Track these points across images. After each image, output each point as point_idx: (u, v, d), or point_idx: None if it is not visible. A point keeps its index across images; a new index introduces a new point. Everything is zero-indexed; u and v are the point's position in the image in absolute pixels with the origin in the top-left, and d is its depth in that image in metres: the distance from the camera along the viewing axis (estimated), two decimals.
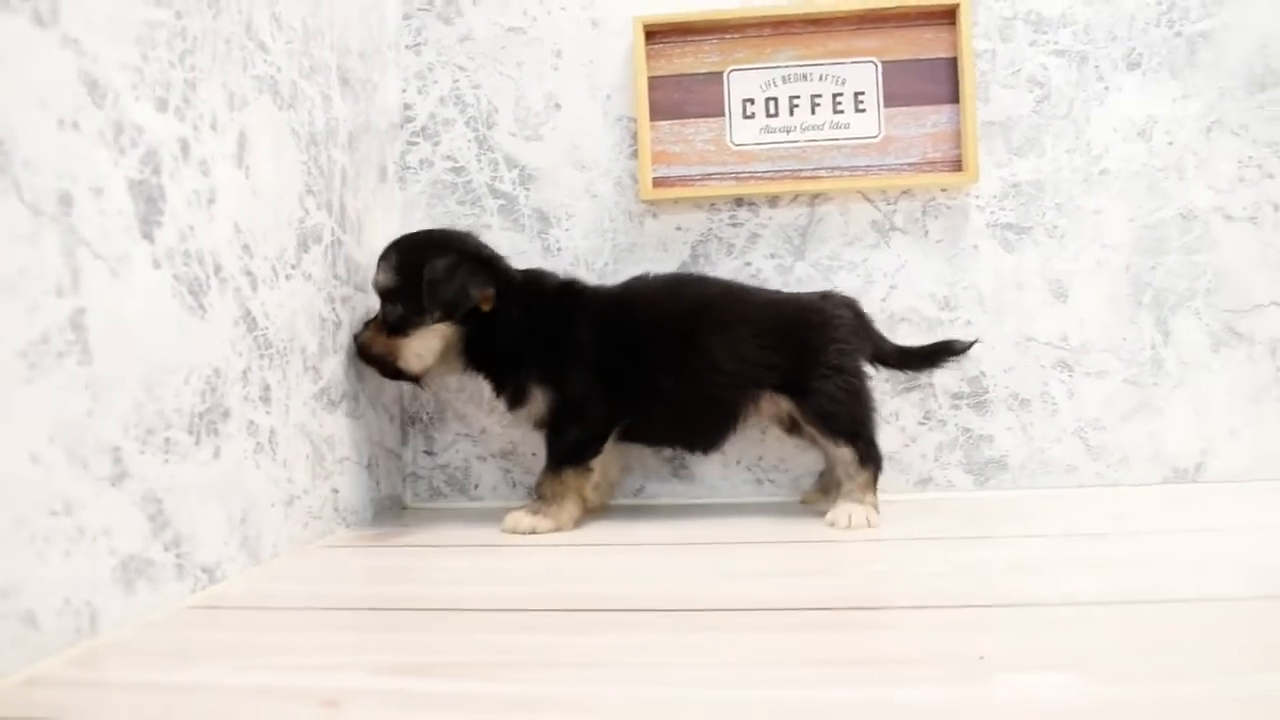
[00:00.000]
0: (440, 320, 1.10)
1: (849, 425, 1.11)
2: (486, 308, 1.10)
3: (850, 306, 1.18)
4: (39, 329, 0.63)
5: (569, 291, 1.17)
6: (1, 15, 0.61)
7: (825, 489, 1.24)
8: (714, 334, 1.12)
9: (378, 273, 1.12)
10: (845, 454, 1.10)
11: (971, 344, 1.24)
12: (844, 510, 1.07)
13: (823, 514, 1.10)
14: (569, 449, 1.12)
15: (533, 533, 1.08)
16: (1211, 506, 1.13)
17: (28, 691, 0.58)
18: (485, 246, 1.16)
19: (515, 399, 1.15)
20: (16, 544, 0.61)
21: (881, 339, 1.21)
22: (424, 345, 1.11)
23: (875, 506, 1.09)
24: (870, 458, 1.11)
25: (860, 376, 1.14)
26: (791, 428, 1.20)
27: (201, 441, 0.82)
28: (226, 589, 0.83)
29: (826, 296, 1.19)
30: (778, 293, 1.21)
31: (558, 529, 1.09)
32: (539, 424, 1.15)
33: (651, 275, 1.21)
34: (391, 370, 1.14)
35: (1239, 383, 1.27)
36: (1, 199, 0.60)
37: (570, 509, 1.11)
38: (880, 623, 0.70)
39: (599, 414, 1.12)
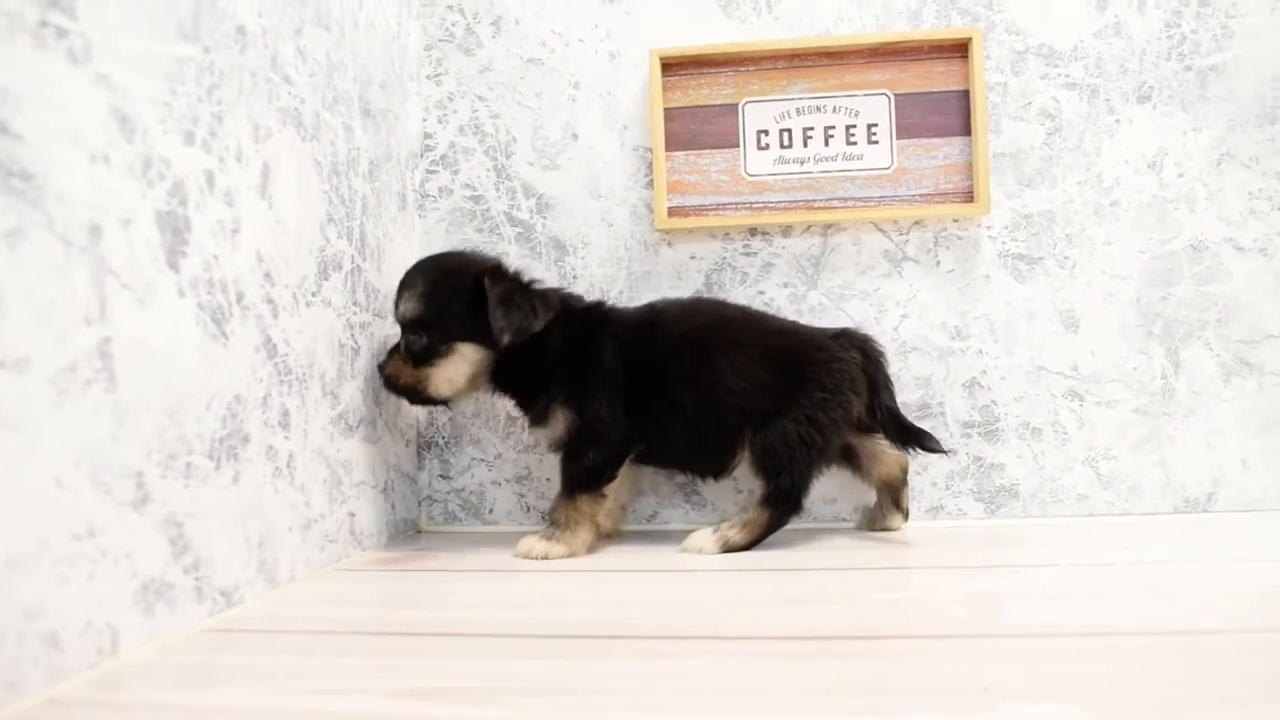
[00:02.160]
0: (507, 339, 1.07)
1: (779, 465, 1.09)
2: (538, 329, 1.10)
3: (861, 348, 1.17)
4: (68, 357, 0.65)
5: (596, 314, 1.18)
6: (38, 55, 0.63)
7: (872, 518, 1.24)
8: (724, 353, 1.13)
9: (402, 302, 1.11)
10: (757, 486, 1.11)
11: (944, 452, 1.21)
12: (697, 535, 1.11)
13: (866, 537, 1.19)
14: (584, 474, 1.12)
15: (546, 558, 1.08)
16: (1222, 537, 1.13)
17: (51, 711, 0.59)
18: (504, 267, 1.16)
19: (538, 418, 1.16)
20: (41, 566, 0.62)
21: (884, 390, 1.18)
22: (454, 371, 1.12)
23: (728, 542, 1.09)
24: (779, 503, 1.10)
25: (826, 430, 1.11)
26: (844, 457, 1.21)
27: (221, 466, 0.84)
28: (244, 612, 0.84)
29: (841, 335, 1.17)
30: (795, 324, 1.21)
31: (571, 555, 1.09)
32: (556, 446, 1.15)
33: (674, 297, 1.23)
34: (422, 398, 1.14)
35: (1250, 413, 1.27)
36: (34, 231, 0.62)
37: (584, 535, 1.11)
38: (887, 651, 0.71)
39: (617, 438, 1.13)
